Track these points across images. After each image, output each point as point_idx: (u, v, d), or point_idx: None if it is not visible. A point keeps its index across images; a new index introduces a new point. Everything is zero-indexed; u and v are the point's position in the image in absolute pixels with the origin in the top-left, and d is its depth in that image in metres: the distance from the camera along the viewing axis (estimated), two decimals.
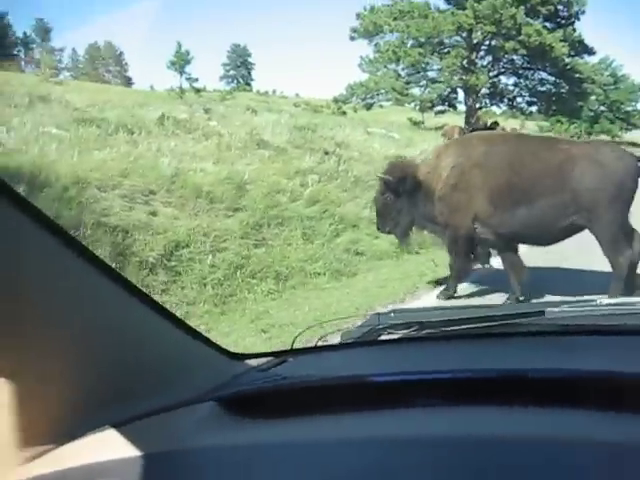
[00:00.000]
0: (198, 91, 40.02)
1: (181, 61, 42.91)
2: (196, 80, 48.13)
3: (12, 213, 0.99)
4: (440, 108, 43.00)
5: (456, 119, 34.83)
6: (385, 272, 9.94)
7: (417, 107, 39.04)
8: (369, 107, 33.76)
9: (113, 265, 8.01)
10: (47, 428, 1.01)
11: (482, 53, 39.85)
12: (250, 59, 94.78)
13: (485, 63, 40.03)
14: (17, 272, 1.00)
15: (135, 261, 8.49)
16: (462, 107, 42.89)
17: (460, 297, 7.89)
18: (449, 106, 43.66)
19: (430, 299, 8.02)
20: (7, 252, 0.98)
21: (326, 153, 15.32)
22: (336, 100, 33.00)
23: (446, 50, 39.15)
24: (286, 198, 12.04)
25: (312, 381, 1.30)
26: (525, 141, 7.94)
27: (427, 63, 39.17)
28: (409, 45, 37.72)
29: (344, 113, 32.30)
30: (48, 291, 1.06)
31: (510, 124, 37.50)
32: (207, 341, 1.36)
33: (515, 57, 39.61)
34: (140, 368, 1.19)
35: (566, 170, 6.58)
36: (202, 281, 8.74)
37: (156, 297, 7.99)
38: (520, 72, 41.68)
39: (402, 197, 7.77)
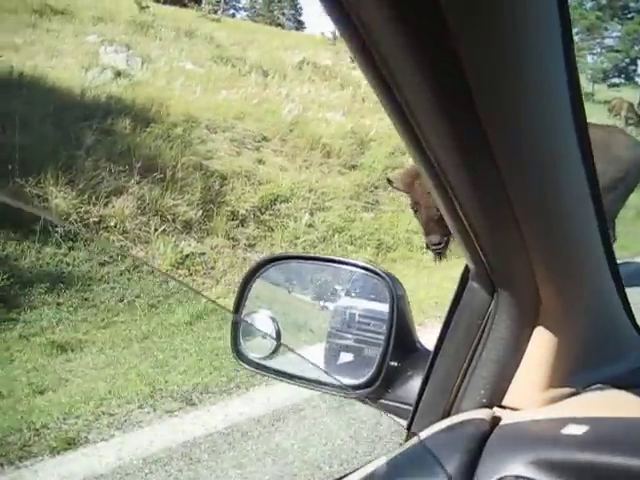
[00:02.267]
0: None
1: None
2: None
3: None
4: (615, 80, 38.97)
5: (631, 94, 31.21)
6: None
7: (588, 77, 35.52)
8: None
9: (199, 213, 7.52)
10: (565, 376, 1.01)
11: None
12: None
13: None
14: None
15: (226, 210, 7.92)
16: None
17: None
18: (625, 79, 39.45)
19: None
20: None
21: None
22: None
23: (630, 15, 35.16)
24: (410, 160, 10.96)
25: None
26: None
27: (605, 29, 35.45)
28: (587, 7, 34.24)
29: None
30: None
31: None
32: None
33: None
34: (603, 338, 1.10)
35: None
36: (294, 240, 8.02)
37: (240, 252, 7.42)
38: None
39: None
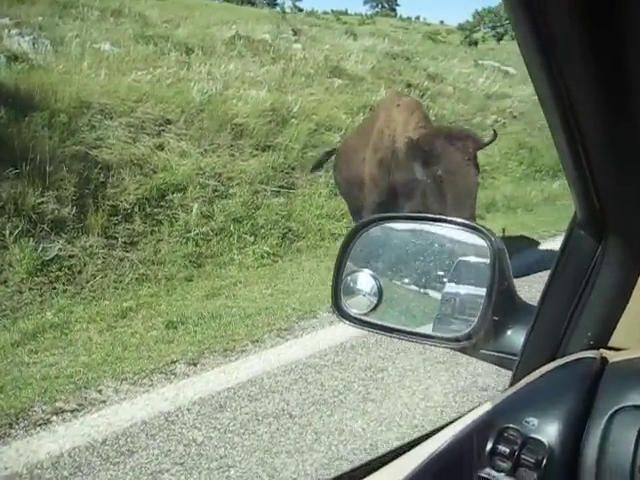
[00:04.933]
0: (301, 11, 37.76)
1: None
2: None
3: None
4: None
5: None
6: None
7: None
8: (500, 38, 29.97)
9: (73, 210, 6.75)
10: None
11: None
12: None
13: None
14: None
15: (107, 205, 7.12)
16: None
17: None
18: None
19: None
20: None
21: (408, 85, 13.18)
22: (462, 28, 29.55)
23: None
24: (336, 137, 10.17)
25: None
26: None
27: None
28: None
29: (474, 44, 29.07)
30: None
31: None
32: None
33: None
34: None
35: None
36: (185, 234, 7.25)
37: (117, 252, 6.65)
38: None
39: None
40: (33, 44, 11.61)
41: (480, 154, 11.36)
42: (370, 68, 14.31)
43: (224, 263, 7.03)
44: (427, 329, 1.34)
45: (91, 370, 4.07)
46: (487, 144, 6.21)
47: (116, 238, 6.89)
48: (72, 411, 3.51)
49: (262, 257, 7.22)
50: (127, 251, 6.83)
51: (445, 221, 1.39)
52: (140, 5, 17.85)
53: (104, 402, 3.64)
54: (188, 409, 3.50)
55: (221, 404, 3.53)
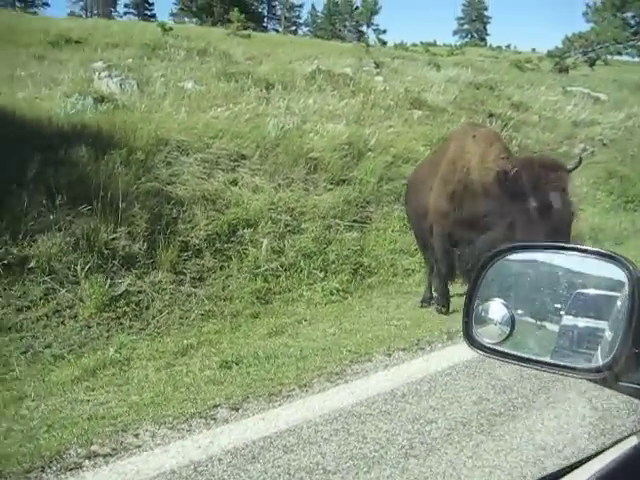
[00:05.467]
0: (384, 44, 37.59)
1: (367, 11, 40.64)
2: (384, 32, 45.79)
3: None
4: None
5: None
6: None
7: None
8: (592, 63, 28.78)
9: (144, 245, 6.82)
10: None
11: None
12: (486, 12, 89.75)
13: None
14: None
15: (178, 241, 7.16)
16: None
17: None
18: None
19: None
20: None
21: (490, 115, 12.81)
22: (551, 55, 28.59)
23: None
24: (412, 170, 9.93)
25: None
26: None
27: None
28: None
29: (565, 70, 28.14)
30: None
31: None
32: None
33: None
34: None
35: None
36: (254, 270, 7.18)
37: (185, 288, 6.65)
38: None
39: None
40: (120, 85, 12.07)
41: None
42: (452, 99, 14.04)
43: (292, 300, 6.90)
44: (564, 361, 1.33)
45: (136, 411, 3.99)
46: (571, 170, 5.79)
47: (185, 274, 6.90)
48: (105, 456, 3.41)
49: (331, 294, 7.05)
50: (195, 287, 6.82)
51: (580, 250, 1.40)
52: (225, 44, 18.41)
53: (139, 447, 3.53)
54: (219, 459, 3.33)
55: (254, 455, 3.33)
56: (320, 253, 7.66)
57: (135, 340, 5.71)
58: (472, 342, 1.42)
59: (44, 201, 6.89)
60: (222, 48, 17.02)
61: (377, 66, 17.32)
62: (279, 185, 8.77)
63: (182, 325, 6.19)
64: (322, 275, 7.36)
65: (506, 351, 1.38)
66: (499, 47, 74.93)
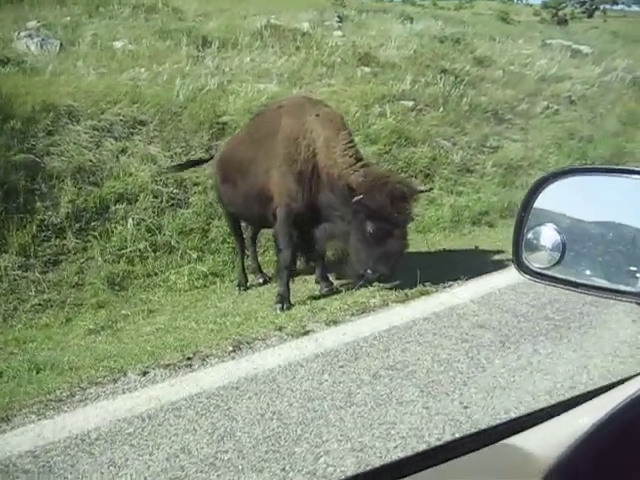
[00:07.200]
0: None
1: None
2: None
3: None
4: None
5: None
6: None
7: None
8: (590, 14, 27.13)
9: None
10: None
11: None
12: None
13: None
14: None
15: (36, 219, 6.46)
16: None
17: None
18: None
19: None
20: None
21: (443, 71, 11.79)
22: (546, 5, 26.99)
23: None
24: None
25: None
26: None
27: None
28: None
29: (564, 22, 26.59)
30: None
31: None
32: None
33: None
34: None
35: None
36: (117, 252, 6.47)
37: (31, 273, 5.97)
38: None
39: None
40: (40, 45, 11.26)
41: (517, 147, 10.01)
42: (409, 54, 13.01)
43: (152, 285, 6.20)
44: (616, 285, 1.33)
45: None
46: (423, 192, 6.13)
47: (37, 257, 6.21)
48: None
49: (197, 278, 6.32)
50: (45, 272, 6.14)
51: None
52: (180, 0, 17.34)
53: None
54: None
55: None
56: (200, 230, 6.92)
57: None
58: (522, 268, 1.44)
59: None
60: (175, 5, 16.00)
61: (340, 20, 16.26)
62: (175, 154, 8.00)
63: (12, 317, 5.53)
64: (196, 256, 6.63)
65: (556, 276, 1.39)
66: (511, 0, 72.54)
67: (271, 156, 5.65)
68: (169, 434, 3.23)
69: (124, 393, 3.74)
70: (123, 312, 5.55)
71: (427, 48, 13.72)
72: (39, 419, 3.48)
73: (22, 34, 11.46)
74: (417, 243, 7.12)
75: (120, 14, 14.46)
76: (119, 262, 6.38)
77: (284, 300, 5.51)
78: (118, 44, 11.99)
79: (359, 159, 5.56)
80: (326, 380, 3.81)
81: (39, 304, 5.72)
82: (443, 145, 9.79)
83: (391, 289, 5.55)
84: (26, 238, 6.26)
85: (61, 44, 11.48)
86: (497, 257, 6.34)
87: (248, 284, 6.39)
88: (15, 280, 5.93)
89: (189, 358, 4.19)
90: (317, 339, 4.45)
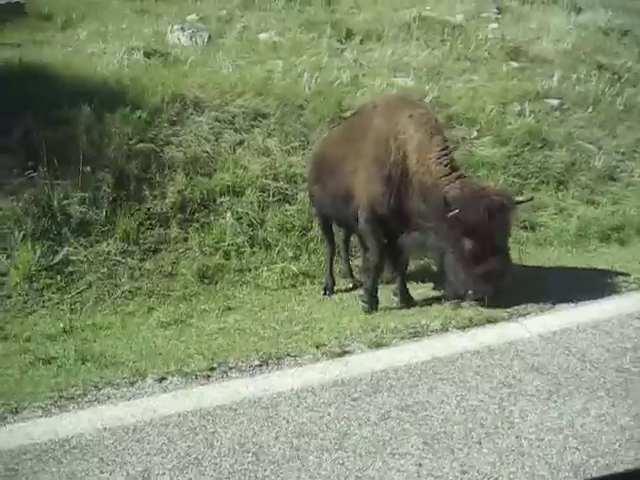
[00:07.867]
0: None
1: None
2: None
3: None
4: None
5: None
6: None
7: None
8: None
9: (103, 213, 6.44)
10: None
11: None
12: None
13: None
14: None
15: (144, 208, 6.69)
16: None
17: None
18: None
19: None
20: None
21: (599, 67, 10.80)
22: None
23: None
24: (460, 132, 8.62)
25: None
26: None
27: None
28: None
29: None
30: None
31: None
32: None
33: None
34: None
35: None
36: (216, 245, 6.54)
37: (131, 260, 6.20)
38: None
39: None
40: (191, 38, 11.71)
41: None
42: (565, 47, 12.05)
43: (242, 282, 6.18)
44: None
45: None
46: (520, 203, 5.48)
47: (139, 244, 6.42)
48: None
49: (287, 278, 6.21)
50: (144, 259, 6.33)
51: None
52: None
53: None
54: None
55: None
56: (300, 228, 6.82)
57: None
58: None
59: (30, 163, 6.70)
60: None
61: (499, 12, 15.42)
62: (292, 148, 7.95)
63: (103, 302, 5.74)
64: (292, 254, 6.52)
65: None
66: None
67: (360, 156, 5.43)
68: (142, 452, 3.15)
69: (129, 400, 3.69)
70: (202, 307, 5.58)
71: (588, 41, 12.62)
72: (41, 416, 3.55)
73: (175, 27, 11.99)
74: (530, 257, 6.53)
75: (275, 7, 14.72)
76: (215, 255, 6.45)
77: (372, 302, 5.37)
78: (264, 35, 12.19)
79: (455, 168, 5.18)
80: (329, 414, 3.52)
81: (129, 291, 5.91)
82: (585, 149, 8.92)
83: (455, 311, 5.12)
84: (132, 225, 6.49)
85: (209, 36, 11.85)
86: (609, 280, 5.61)
87: (336, 288, 6.19)
88: (114, 265, 6.17)
89: (212, 369, 4.08)
90: (348, 363, 4.14)
